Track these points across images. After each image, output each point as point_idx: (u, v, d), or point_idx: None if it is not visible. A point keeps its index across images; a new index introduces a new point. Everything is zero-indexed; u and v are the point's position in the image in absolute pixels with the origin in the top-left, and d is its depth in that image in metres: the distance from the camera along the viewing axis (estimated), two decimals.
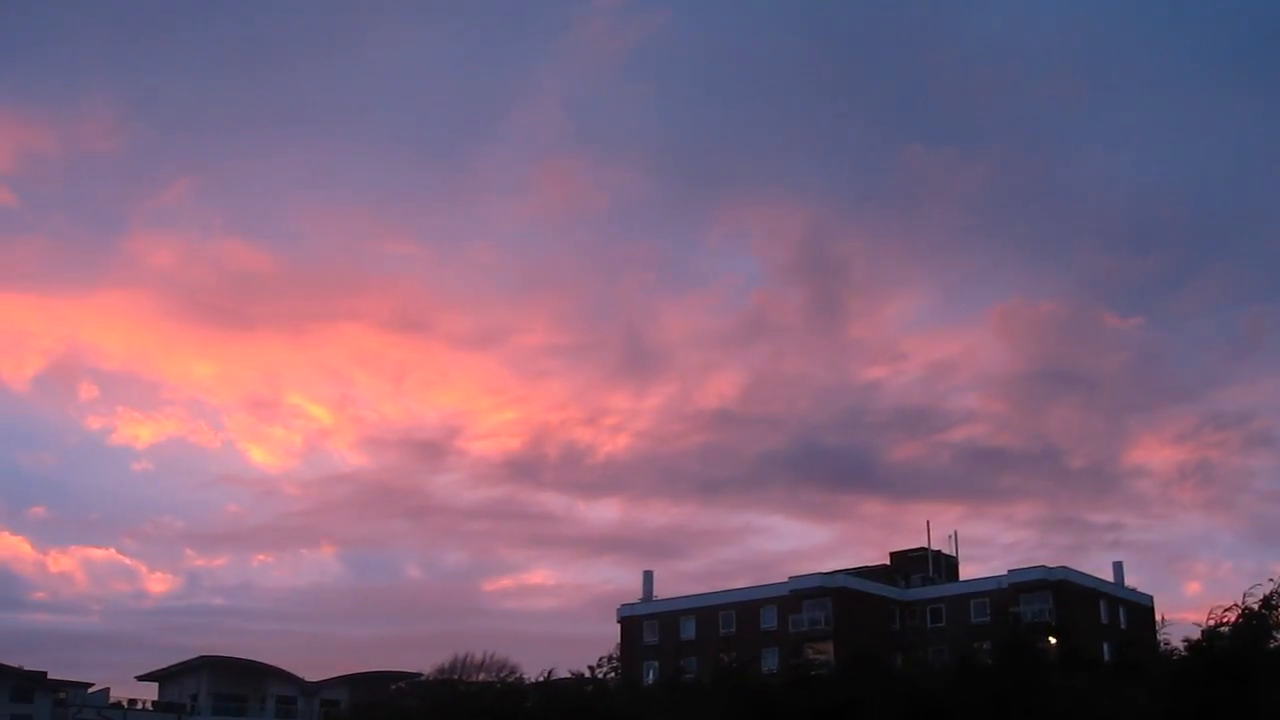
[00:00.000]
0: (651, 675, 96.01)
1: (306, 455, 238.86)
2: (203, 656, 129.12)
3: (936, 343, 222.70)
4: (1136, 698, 23.70)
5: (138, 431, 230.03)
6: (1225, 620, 23.61)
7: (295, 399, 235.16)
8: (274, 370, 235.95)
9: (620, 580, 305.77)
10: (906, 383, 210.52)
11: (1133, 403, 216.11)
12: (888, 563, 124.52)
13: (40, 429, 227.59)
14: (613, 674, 40.47)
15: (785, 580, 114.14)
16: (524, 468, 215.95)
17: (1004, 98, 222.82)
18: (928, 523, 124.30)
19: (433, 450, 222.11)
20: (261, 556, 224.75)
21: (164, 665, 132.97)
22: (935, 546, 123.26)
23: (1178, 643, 25.07)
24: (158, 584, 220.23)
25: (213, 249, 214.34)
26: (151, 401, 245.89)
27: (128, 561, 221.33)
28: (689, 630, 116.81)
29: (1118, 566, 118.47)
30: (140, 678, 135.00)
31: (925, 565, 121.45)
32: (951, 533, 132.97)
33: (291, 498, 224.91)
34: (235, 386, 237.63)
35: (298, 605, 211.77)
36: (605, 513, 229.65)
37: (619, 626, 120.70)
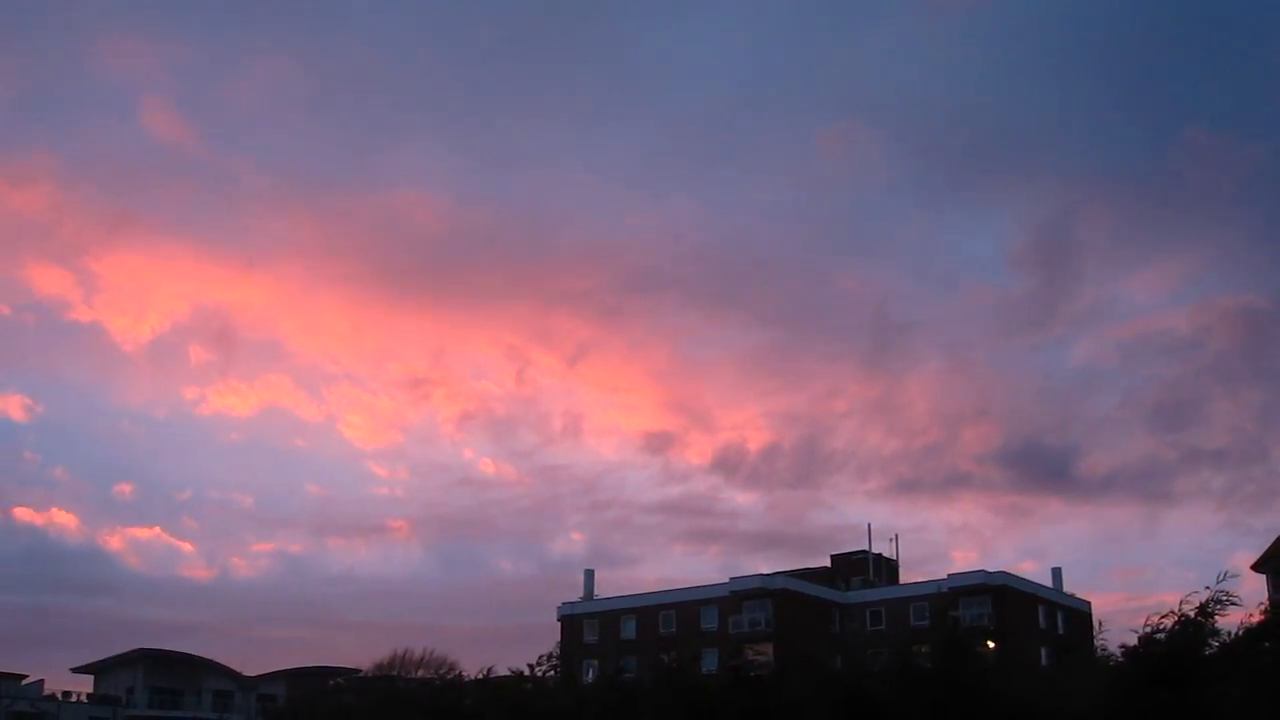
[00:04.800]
0: (591, 674, 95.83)
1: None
2: (139, 649, 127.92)
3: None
4: (1074, 702, 23.79)
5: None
6: (1162, 626, 23.68)
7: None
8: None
9: None
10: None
11: None
12: (828, 565, 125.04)
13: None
14: (552, 672, 40.37)
15: (726, 581, 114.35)
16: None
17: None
18: (869, 525, 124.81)
19: None
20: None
21: (100, 658, 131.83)
22: (876, 549, 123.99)
23: (1114, 649, 25.16)
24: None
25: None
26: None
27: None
28: (629, 630, 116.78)
29: (1056, 572, 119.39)
30: (75, 670, 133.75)
31: (866, 568, 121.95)
32: (893, 536, 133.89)
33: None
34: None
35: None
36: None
37: (559, 625, 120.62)
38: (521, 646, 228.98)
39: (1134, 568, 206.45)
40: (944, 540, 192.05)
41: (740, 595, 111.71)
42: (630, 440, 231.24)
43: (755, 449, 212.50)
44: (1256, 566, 76.42)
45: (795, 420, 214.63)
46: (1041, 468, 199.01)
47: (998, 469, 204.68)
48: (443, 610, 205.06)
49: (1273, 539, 75.29)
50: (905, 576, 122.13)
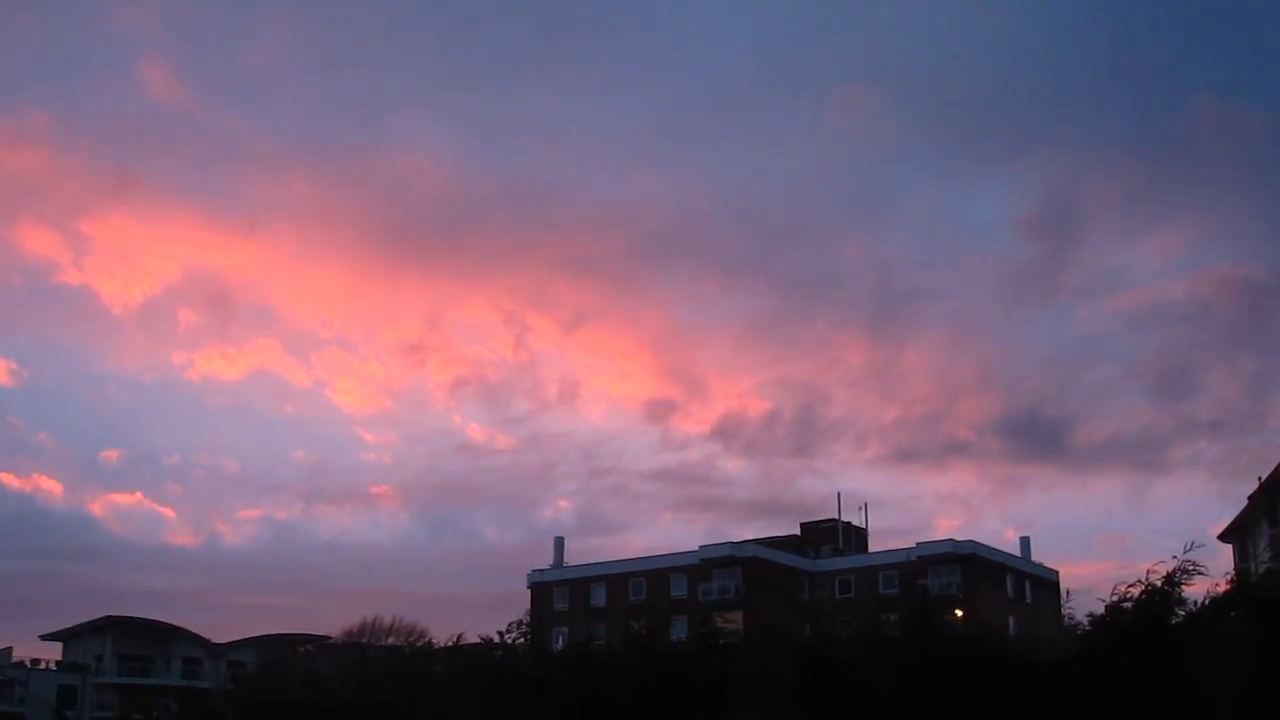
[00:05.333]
0: (561, 641, 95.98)
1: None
2: (108, 616, 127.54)
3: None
4: (1041, 671, 23.89)
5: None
6: (1129, 595, 23.79)
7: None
8: None
9: None
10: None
11: None
12: (798, 533, 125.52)
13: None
14: (522, 639, 40.39)
15: (695, 549, 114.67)
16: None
17: None
18: (838, 494, 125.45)
19: None
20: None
21: (68, 625, 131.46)
22: (845, 518, 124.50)
23: (1082, 618, 25.26)
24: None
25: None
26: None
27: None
28: (599, 597, 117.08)
29: (1025, 541, 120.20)
30: (44, 637, 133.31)
31: (835, 537, 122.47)
32: (862, 504, 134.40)
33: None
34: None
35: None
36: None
37: (529, 592, 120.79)
38: (503, 613, 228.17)
39: (1119, 535, 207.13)
40: (935, 509, 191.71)
41: (710, 563, 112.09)
42: (627, 408, 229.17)
43: (754, 417, 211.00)
44: (1223, 536, 77.08)
45: (795, 388, 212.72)
46: (1038, 437, 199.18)
47: (995, 438, 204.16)
48: (428, 577, 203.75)
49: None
50: (898, 544, 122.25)
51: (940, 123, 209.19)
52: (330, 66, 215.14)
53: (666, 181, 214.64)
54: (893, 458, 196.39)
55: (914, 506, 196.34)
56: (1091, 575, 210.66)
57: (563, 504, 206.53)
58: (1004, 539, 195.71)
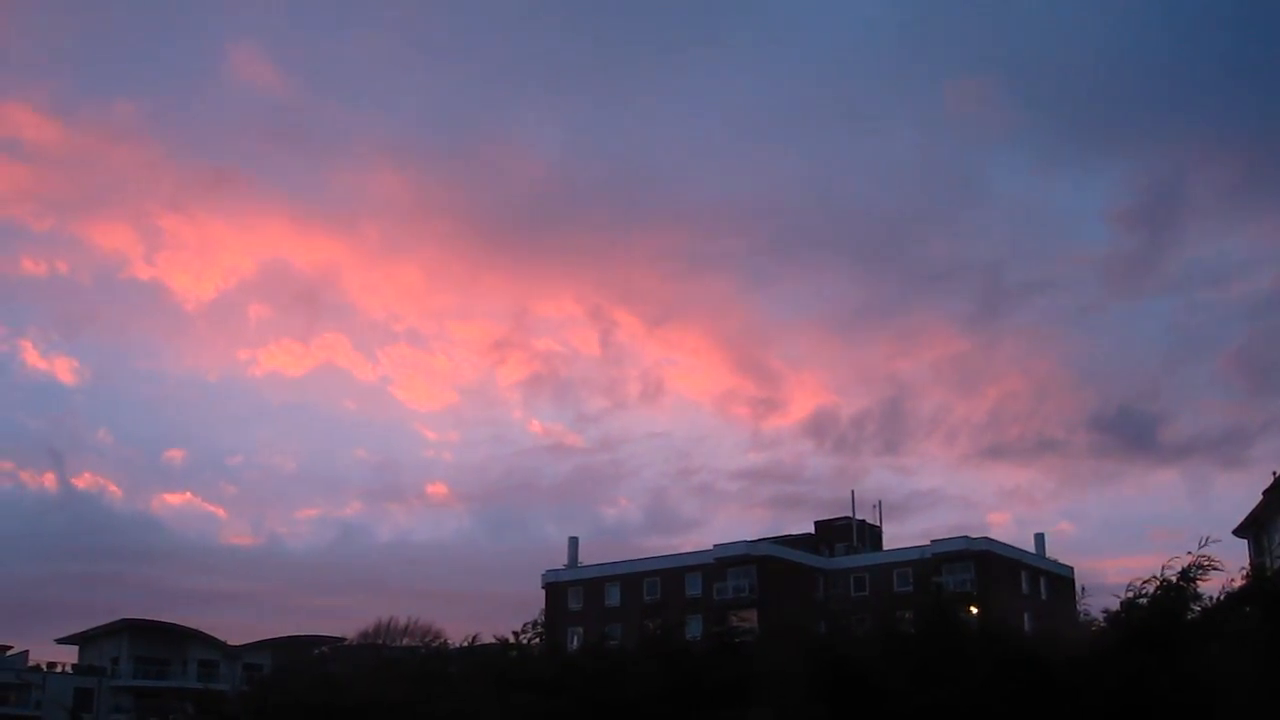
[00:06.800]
0: (576, 641, 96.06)
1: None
2: (124, 619, 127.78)
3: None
4: (1056, 667, 23.88)
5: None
6: (1144, 591, 23.78)
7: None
8: None
9: None
10: None
11: None
12: (812, 531, 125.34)
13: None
14: (537, 640, 40.43)
15: (710, 548, 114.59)
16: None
17: None
18: (852, 492, 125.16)
19: None
20: None
21: (84, 628, 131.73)
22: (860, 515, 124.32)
23: (1097, 614, 25.28)
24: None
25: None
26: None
27: None
28: (614, 597, 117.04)
29: (1039, 538, 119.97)
30: (60, 640, 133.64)
31: (849, 534, 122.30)
32: (876, 502, 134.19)
33: None
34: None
35: None
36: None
37: (543, 592, 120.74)
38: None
39: (1177, 530, 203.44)
40: (1000, 503, 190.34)
41: (724, 562, 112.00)
42: (709, 404, 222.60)
43: (839, 414, 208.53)
44: (1238, 531, 76.74)
45: (885, 384, 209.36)
46: (1126, 432, 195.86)
47: (1085, 433, 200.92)
48: (486, 576, 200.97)
49: None
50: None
51: (1049, 115, 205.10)
52: (433, 60, 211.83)
53: (765, 173, 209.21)
54: (982, 454, 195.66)
55: (986, 503, 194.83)
56: (1144, 569, 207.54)
57: (628, 502, 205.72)
58: (1067, 535, 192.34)
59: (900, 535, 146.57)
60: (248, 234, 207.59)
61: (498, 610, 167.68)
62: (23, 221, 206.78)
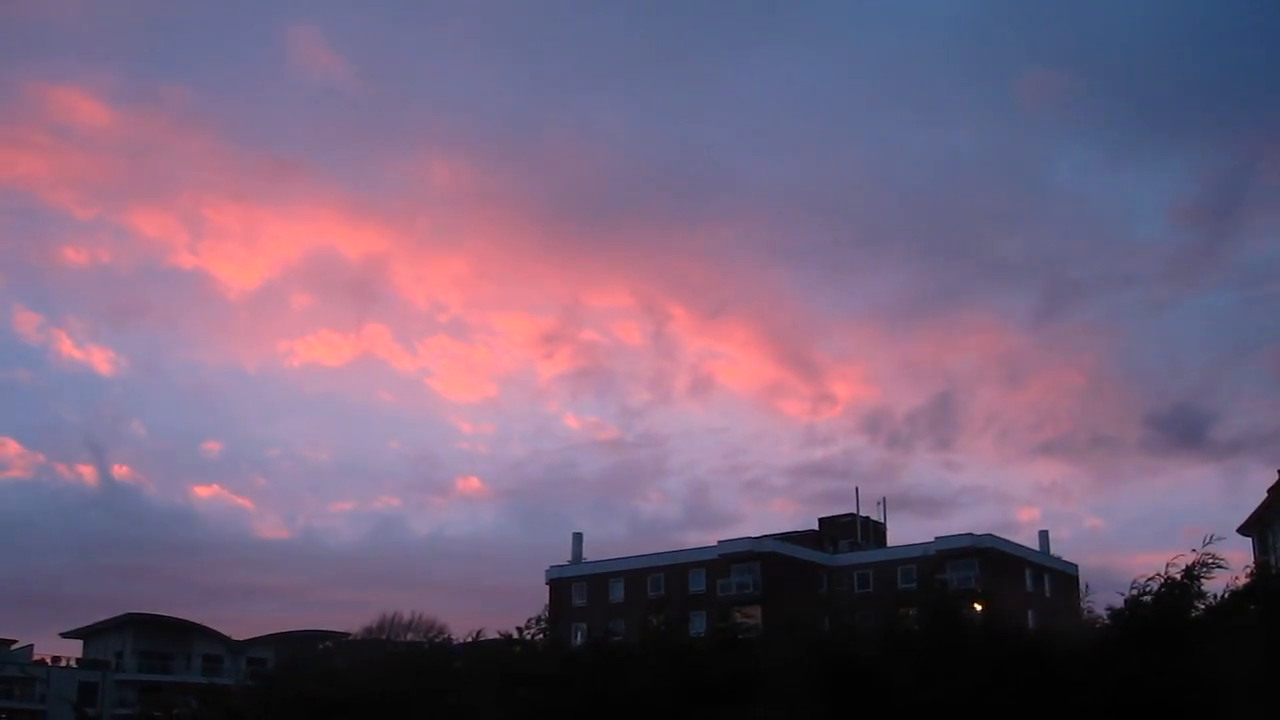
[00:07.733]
0: (580, 637, 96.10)
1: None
2: (128, 614, 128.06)
3: None
4: (1060, 664, 23.88)
5: None
6: (1149, 588, 23.76)
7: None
8: None
9: None
10: None
11: None
12: (816, 528, 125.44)
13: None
14: (541, 635, 40.41)
15: (714, 544, 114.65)
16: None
17: None
18: (856, 489, 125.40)
19: None
20: None
21: (89, 622, 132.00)
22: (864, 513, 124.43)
23: (1101, 612, 25.23)
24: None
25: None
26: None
27: None
28: (618, 592, 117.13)
29: (1043, 535, 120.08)
30: (64, 635, 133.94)
31: (854, 531, 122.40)
32: (880, 499, 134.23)
33: None
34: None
35: None
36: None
37: (547, 588, 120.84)
38: None
39: (1208, 526, 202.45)
40: (1055, 500, 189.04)
41: (728, 558, 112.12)
42: (758, 398, 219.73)
43: (891, 409, 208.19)
44: (1243, 529, 76.74)
45: (937, 379, 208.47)
46: (1180, 429, 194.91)
47: (1138, 429, 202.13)
48: (518, 570, 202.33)
49: None
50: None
51: (1117, 109, 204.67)
52: (494, 49, 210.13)
53: (827, 167, 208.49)
54: (1033, 451, 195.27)
55: (1025, 498, 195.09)
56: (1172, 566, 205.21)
57: (664, 498, 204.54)
58: (1096, 531, 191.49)
59: (942, 529, 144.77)
60: (297, 224, 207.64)
61: (529, 605, 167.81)
62: (66, 209, 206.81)
